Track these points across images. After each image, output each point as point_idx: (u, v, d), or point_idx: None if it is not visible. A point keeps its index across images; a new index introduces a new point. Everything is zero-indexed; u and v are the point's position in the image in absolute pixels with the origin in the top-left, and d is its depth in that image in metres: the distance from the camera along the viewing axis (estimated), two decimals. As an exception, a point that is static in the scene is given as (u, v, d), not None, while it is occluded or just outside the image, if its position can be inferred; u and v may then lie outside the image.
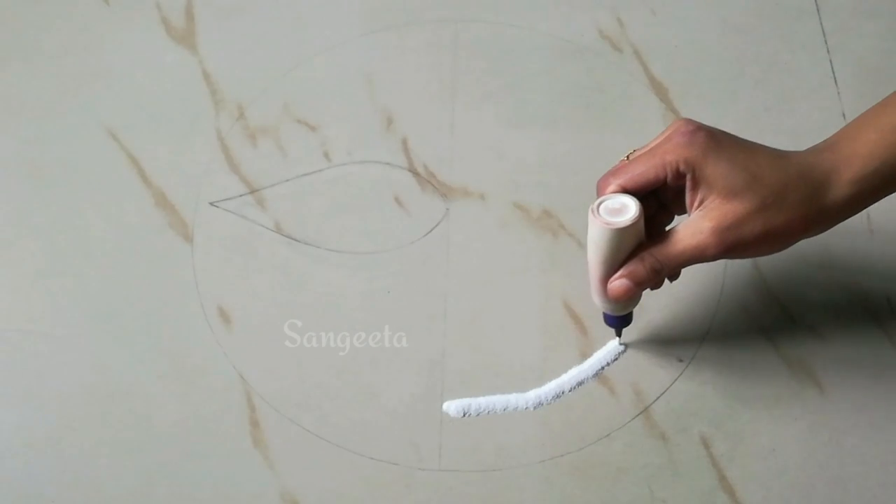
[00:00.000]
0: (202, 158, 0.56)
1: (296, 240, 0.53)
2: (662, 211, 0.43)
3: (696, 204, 0.40)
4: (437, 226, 0.53)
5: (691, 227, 0.40)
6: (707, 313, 0.51)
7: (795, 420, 0.48)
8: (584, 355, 0.49)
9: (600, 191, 0.42)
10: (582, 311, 0.51)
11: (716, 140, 0.40)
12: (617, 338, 0.49)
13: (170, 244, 0.53)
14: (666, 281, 0.44)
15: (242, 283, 0.52)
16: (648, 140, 0.54)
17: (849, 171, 0.40)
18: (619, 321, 0.46)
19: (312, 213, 0.54)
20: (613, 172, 0.42)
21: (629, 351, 0.50)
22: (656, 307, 0.51)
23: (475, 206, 0.54)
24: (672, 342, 0.50)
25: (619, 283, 0.42)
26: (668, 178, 0.40)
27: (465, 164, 0.56)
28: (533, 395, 0.48)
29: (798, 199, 0.40)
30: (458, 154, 0.56)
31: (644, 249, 0.41)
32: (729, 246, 0.40)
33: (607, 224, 0.40)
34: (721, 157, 0.39)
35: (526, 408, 0.48)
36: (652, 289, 0.44)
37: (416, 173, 0.55)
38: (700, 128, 0.40)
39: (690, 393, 0.48)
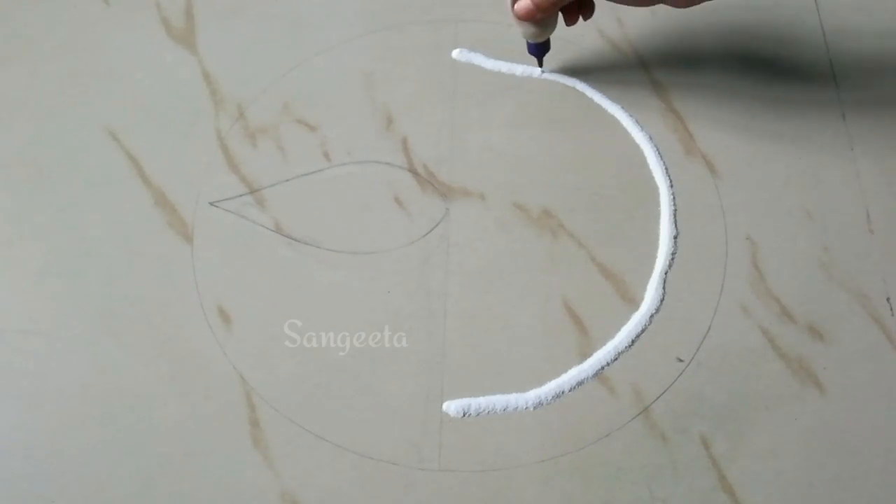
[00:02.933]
0: (202, 158, 0.56)
1: (296, 240, 0.53)
2: None
3: None
4: (437, 226, 0.53)
5: None
6: (707, 313, 0.51)
7: (795, 420, 0.48)
8: (584, 355, 0.49)
9: None
10: (582, 311, 0.51)
11: None
12: (539, 69, 0.57)
13: (170, 244, 0.53)
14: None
15: (242, 283, 0.52)
16: (647, 144, 0.54)
17: None
18: (538, 49, 0.55)
19: (312, 213, 0.54)
20: None
21: (629, 351, 0.50)
22: (656, 307, 0.51)
23: (475, 206, 0.54)
24: (672, 342, 0.50)
25: (522, 3, 0.50)
26: None
27: (465, 164, 0.56)
28: (533, 394, 0.48)
29: None
30: (458, 154, 0.56)
31: None
32: None
33: None
34: None
35: (526, 408, 0.48)
36: (567, 22, 0.53)
37: (416, 173, 0.55)
38: None
39: (690, 393, 0.48)
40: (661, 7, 0.61)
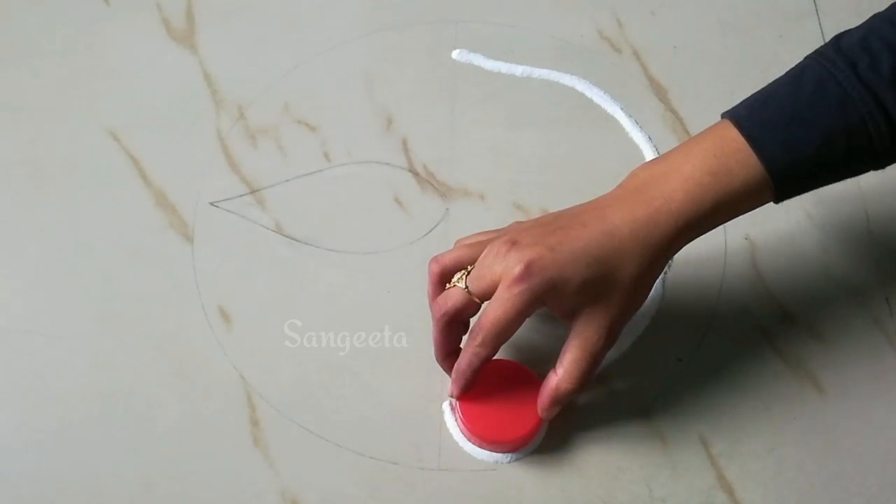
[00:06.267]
0: (202, 158, 0.56)
1: (296, 240, 0.53)
2: None
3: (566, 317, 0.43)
4: (436, 226, 0.54)
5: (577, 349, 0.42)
6: (706, 313, 0.51)
7: (794, 419, 0.48)
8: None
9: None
10: (581, 311, 0.51)
11: (551, 273, 0.40)
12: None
13: (170, 244, 0.53)
14: None
15: (242, 283, 0.52)
16: (647, 144, 0.54)
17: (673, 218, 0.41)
18: None
19: (312, 213, 0.54)
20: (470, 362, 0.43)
21: (629, 351, 0.50)
22: (655, 307, 0.51)
23: (475, 206, 0.54)
24: (671, 342, 0.50)
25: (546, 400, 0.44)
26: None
27: (464, 164, 0.56)
28: (532, 394, 0.48)
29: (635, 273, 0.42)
30: (458, 154, 0.56)
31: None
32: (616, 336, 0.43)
33: None
34: (565, 290, 0.41)
35: (525, 407, 0.48)
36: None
37: (415, 173, 0.55)
38: (530, 264, 0.40)
39: (689, 392, 0.48)
40: (660, 7, 0.61)
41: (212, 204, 0.54)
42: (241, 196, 0.55)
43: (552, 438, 0.47)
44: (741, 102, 0.43)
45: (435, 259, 0.45)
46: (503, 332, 0.41)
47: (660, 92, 0.58)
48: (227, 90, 0.58)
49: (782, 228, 0.53)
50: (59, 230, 0.53)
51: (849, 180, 0.55)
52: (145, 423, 0.48)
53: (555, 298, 0.41)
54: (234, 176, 0.55)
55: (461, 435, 0.47)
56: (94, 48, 0.60)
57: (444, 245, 0.53)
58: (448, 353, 0.45)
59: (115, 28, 0.61)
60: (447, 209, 0.54)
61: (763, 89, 0.44)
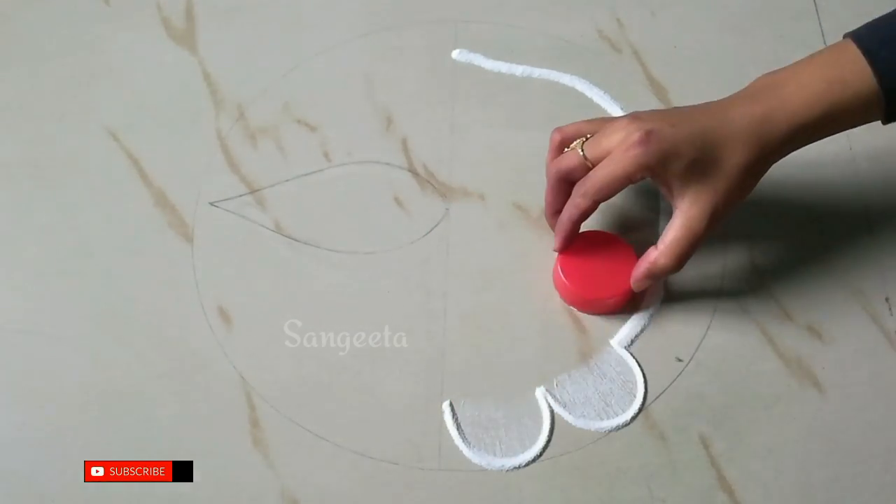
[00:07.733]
0: (202, 158, 0.56)
1: (296, 240, 0.53)
2: None
3: (672, 197, 0.46)
4: (436, 226, 0.54)
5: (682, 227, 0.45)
6: (706, 313, 0.51)
7: (794, 420, 0.48)
8: (584, 355, 0.50)
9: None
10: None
11: (667, 144, 0.43)
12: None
13: (170, 244, 0.53)
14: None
15: (242, 283, 0.52)
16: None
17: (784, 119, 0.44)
18: None
19: (312, 213, 0.54)
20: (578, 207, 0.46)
21: (628, 350, 0.50)
22: (656, 307, 0.51)
23: (475, 206, 0.54)
24: (671, 342, 0.50)
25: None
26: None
27: (464, 164, 0.56)
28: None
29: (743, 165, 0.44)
30: (458, 154, 0.56)
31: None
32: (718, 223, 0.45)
33: None
34: (676, 164, 0.43)
35: (526, 407, 0.48)
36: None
37: (415, 173, 0.55)
38: (650, 132, 0.43)
39: (689, 392, 0.48)
40: (660, 7, 0.62)
41: (212, 204, 0.54)
42: (241, 196, 0.55)
43: (553, 440, 0.47)
44: (864, 24, 0.45)
45: (557, 129, 0.48)
46: (606, 189, 0.44)
47: (660, 92, 0.58)
48: (227, 90, 0.58)
49: (782, 228, 0.53)
50: (59, 230, 0.53)
51: (848, 179, 0.55)
52: (145, 422, 0.48)
53: (663, 171, 0.43)
54: (233, 176, 0.55)
55: (558, 297, 0.50)
56: (94, 48, 0.60)
57: (444, 245, 0.53)
58: (555, 210, 0.49)
59: (115, 28, 0.61)
60: (447, 209, 0.54)
61: (885, 14, 0.45)
